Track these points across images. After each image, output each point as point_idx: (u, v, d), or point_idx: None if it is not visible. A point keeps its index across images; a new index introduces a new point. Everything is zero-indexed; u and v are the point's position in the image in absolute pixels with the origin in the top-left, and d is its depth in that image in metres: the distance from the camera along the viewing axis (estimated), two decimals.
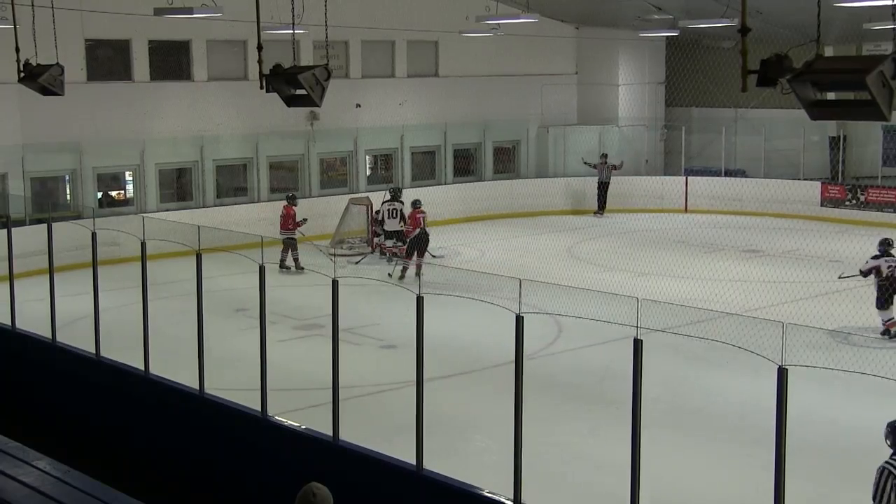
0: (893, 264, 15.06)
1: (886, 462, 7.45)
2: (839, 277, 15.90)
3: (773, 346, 6.86)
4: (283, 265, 20.28)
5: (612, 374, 12.48)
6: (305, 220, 20.80)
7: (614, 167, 27.60)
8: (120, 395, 12.29)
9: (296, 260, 20.31)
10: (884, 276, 15.03)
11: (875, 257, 15.32)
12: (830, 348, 13.84)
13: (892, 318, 15.09)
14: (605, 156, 27.97)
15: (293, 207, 20.79)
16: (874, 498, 7.47)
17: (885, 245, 15.40)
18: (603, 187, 27.68)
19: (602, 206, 27.72)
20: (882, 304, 15.10)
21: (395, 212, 21.26)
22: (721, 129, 28.79)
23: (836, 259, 20.88)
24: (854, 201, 25.96)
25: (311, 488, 5.22)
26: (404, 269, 19.79)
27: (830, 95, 6.88)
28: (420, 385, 8.86)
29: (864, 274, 15.28)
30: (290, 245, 20.38)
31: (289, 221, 20.62)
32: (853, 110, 6.65)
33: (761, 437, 10.20)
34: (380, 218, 21.62)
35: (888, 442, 7.59)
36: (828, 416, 11.75)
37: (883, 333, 15.09)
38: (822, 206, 26.29)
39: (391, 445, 9.43)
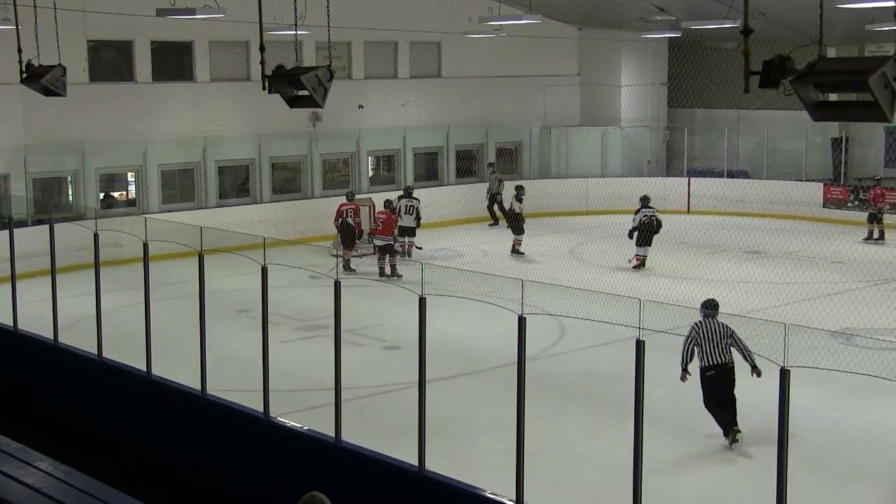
0: (649, 214, 20.53)
1: (694, 324, 10.76)
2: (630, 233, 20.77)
3: (775, 348, 6.86)
4: (382, 273, 19.94)
5: (615, 375, 12.48)
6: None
7: (500, 180, 26.55)
8: (122, 395, 12.30)
9: (393, 267, 19.98)
10: (642, 223, 20.42)
11: (638, 211, 20.69)
12: (832, 349, 13.83)
13: (644, 255, 20.41)
14: (491, 164, 27.51)
15: (392, 212, 20.72)
16: (683, 348, 10.75)
17: (644, 200, 20.89)
18: (493, 199, 26.49)
19: (495, 217, 26.40)
20: (640, 242, 20.49)
21: (411, 208, 21.60)
22: (723, 131, 28.78)
23: (838, 260, 20.90)
24: (856, 202, 25.92)
25: (314, 499, 5.17)
26: (347, 262, 20.35)
27: (833, 97, 6.87)
28: (422, 386, 8.86)
29: (639, 228, 20.51)
30: (388, 250, 20.17)
31: (390, 227, 20.38)
32: (855, 112, 6.65)
33: (763, 437, 10.22)
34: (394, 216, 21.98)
35: (701, 312, 10.85)
36: (830, 416, 11.74)
37: (635, 267, 20.40)
38: (824, 207, 26.26)
39: (393, 446, 9.43)
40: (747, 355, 10.57)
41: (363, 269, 20.80)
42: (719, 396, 10.84)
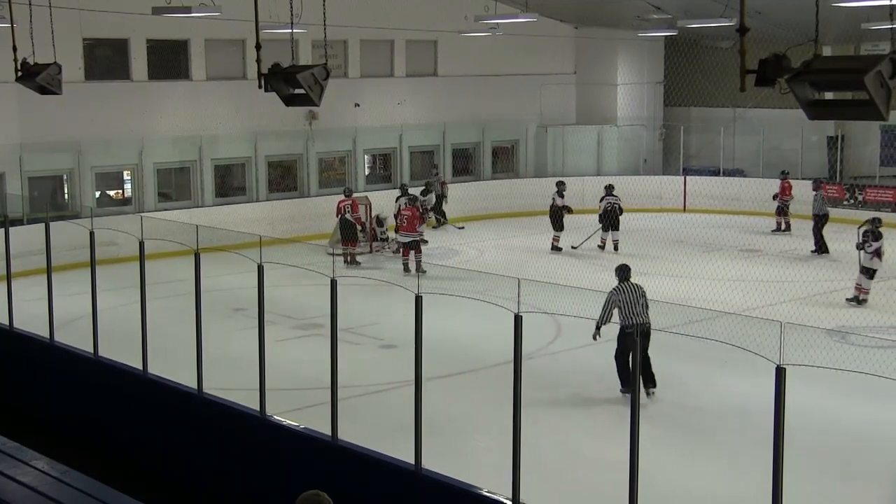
0: (612, 201, 22.08)
1: (613, 289, 11.90)
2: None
3: (771, 346, 6.86)
4: (406, 269, 19.84)
5: (611, 373, 12.49)
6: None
7: (443, 183, 26.43)
8: (118, 394, 12.28)
9: (418, 263, 19.68)
10: (606, 210, 22.04)
11: (602, 199, 22.28)
12: (828, 348, 13.83)
13: (615, 240, 21.94)
14: (434, 167, 27.19)
15: (417, 209, 20.70)
16: (602, 309, 11.72)
17: (608, 189, 22.48)
18: (440, 200, 26.15)
19: (443, 219, 26.04)
20: (605, 227, 22.15)
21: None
22: (719, 129, 28.82)
23: (834, 259, 20.92)
24: (852, 201, 25.96)
25: (320, 498, 5.16)
26: (346, 258, 20.70)
27: (829, 95, 6.88)
28: (419, 385, 8.86)
29: (603, 214, 22.16)
30: (415, 247, 20.10)
31: (414, 223, 20.31)
32: (851, 110, 6.66)
33: (759, 436, 10.22)
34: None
35: (617, 277, 12.09)
36: (826, 415, 11.76)
37: (600, 247, 22.20)
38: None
39: (390, 445, 9.43)
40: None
41: (362, 267, 20.79)
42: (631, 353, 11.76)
